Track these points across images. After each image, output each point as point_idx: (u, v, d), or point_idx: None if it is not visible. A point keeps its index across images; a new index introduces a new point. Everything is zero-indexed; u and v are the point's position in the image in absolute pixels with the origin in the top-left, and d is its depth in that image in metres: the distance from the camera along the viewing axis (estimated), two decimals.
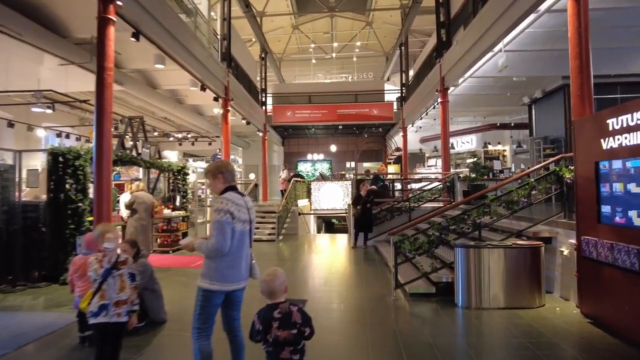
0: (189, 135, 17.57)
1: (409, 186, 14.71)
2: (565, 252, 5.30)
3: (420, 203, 10.88)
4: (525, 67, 10.84)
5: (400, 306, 5.35)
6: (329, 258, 9.22)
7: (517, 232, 5.78)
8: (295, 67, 25.47)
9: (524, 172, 6.28)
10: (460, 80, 11.77)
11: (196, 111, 15.98)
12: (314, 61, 23.90)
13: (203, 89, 10.63)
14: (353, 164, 22.13)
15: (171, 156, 18.34)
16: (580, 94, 4.96)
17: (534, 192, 5.77)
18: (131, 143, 9.30)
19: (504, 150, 19.35)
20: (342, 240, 12.46)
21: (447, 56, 11.35)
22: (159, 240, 10.37)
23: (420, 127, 19.57)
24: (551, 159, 6.10)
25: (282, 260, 9.01)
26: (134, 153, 9.06)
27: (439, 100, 11.76)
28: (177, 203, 10.80)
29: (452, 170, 11.62)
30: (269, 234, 12.35)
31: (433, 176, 13.75)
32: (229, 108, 12.17)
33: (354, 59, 23.94)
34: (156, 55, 9.19)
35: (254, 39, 19.56)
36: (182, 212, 10.67)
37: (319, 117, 18.69)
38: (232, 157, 18.08)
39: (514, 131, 18.74)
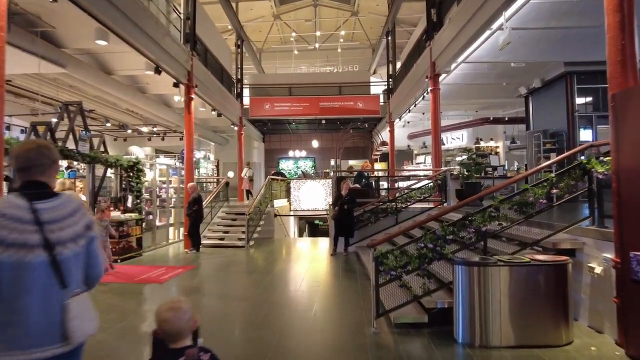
0: (155, 129, 16.03)
1: (396, 185, 13.51)
2: (597, 270, 4.04)
3: (409, 204, 9.59)
4: (525, 51, 9.65)
5: (382, 342, 4.03)
6: (301, 268, 7.87)
7: (532, 242, 4.50)
8: (276, 59, 24.03)
9: (541, 166, 4.98)
10: (453, 65, 10.51)
11: (162, 102, 14.49)
12: (296, 52, 22.47)
13: (158, 71, 9.19)
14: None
15: (139, 152, 16.76)
16: (621, 60, 3.70)
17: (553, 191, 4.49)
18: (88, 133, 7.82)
19: (497, 147, 18.25)
20: (322, 245, 11.12)
21: (439, 38, 10.09)
22: None
23: (408, 122, 18.37)
24: (578, 148, 4.84)
25: (246, 273, 7.63)
26: (72, 145, 7.61)
27: (430, 88, 10.51)
28: (129, 204, 9.35)
29: (443, 167, 10.38)
30: (240, 239, 10.95)
31: (422, 173, 12.49)
32: (193, 96, 10.72)
33: (339, 50, 22.60)
34: (97, 29, 7.74)
35: (230, 27, 18.07)
36: (134, 215, 9.22)
37: (299, 110, 17.31)
38: (202, 153, 16.54)
39: (507, 126, 17.66)
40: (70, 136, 7.70)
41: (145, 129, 15.92)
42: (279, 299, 5.65)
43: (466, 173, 9.66)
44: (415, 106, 13.48)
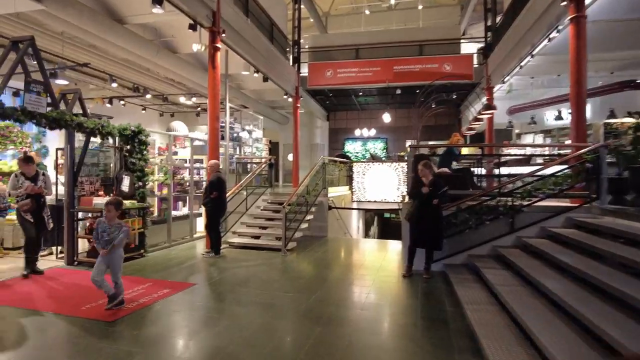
0: (194, 100, 13.68)
1: (496, 170, 9.77)
2: None
3: (533, 199, 5.97)
4: None
5: None
6: (350, 305, 4.74)
7: None
8: (344, 26, 20.65)
9: None
10: None
11: (202, 66, 12.02)
12: (367, 12, 18.93)
13: (159, 1, 6.51)
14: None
15: (182, 129, 14.69)
16: None
17: None
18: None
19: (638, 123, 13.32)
20: (392, 252, 7.88)
21: None
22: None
23: (511, 91, 14.14)
24: None
25: (261, 307, 4.65)
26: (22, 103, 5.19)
27: (569, 17, 6.64)
28: (125, 188, 6.88)
29: (590, 142, 6.54)
30: (279, 238, 8.10)
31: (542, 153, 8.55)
32: (220, 45, 7.95)
33: (419, 7, 18.58)
34: None
35: None
36: (130, 202, 6.74)
37: (369, 76, 13.92)
38: (241, 127, 13.61)
39: None
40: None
41: (184, 100, 13.66)
42: None
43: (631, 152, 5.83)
44: (532, 57, 9.46)
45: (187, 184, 9.17)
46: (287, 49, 13.85)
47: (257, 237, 8.65)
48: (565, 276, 4.42)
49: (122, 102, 13.42)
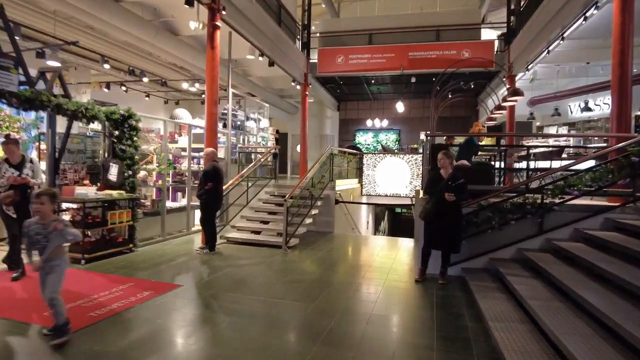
0: (197, 85, 13.08)
1: (518, 164, 9.00)
2: None
3: (567, 197, 5.23)
4: None
5: None
6: (355, 317, 4.10)
7: None
8: (357, 10, 19.77)
9: None
10: None
11: (205, 50, 11.40)
12: None
13: None
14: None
15: (186, 116, 14.13)
16: None
17: None
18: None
19: None
20: (403, 252, 7.20)
21: None
22: None
23: (534, 80, 13.25)
24: None
25: (231, 315, 4.04)
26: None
27: None
28: (113, 177, 6.31)
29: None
30: (280, 234, 7.48)
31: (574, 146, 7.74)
32: (219, 23, 7.30)
33: None
34: None
35: None
36: (117, 193, 6.18)
37: (382, 63, 13.13)
38: (244, 112, 12.82)
39: None
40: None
41: (187, 86, 13.08)
42: None
43: None
44: (562, 40, 8.61)
45: (186, 174, 8.61)
46: (297, 37, 13.14)
47: (258, 232, 8.06)
48: (609, 288, 3.73)
49: (123, 88, 12.90)
